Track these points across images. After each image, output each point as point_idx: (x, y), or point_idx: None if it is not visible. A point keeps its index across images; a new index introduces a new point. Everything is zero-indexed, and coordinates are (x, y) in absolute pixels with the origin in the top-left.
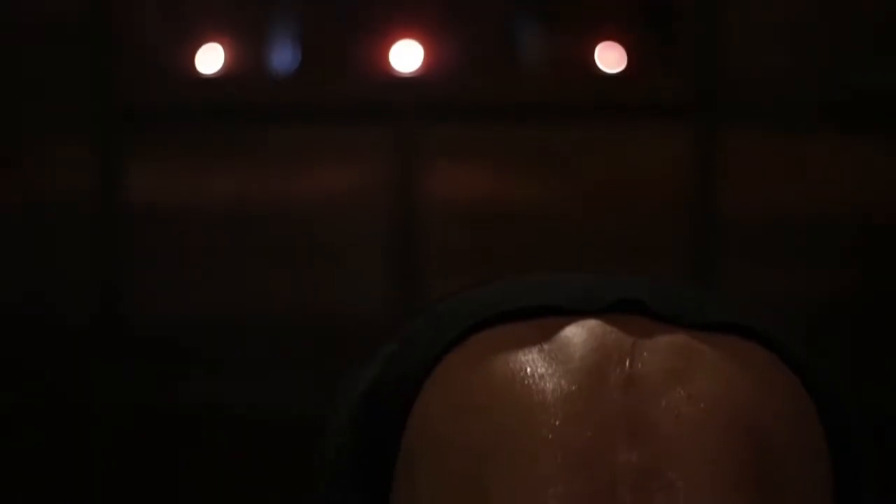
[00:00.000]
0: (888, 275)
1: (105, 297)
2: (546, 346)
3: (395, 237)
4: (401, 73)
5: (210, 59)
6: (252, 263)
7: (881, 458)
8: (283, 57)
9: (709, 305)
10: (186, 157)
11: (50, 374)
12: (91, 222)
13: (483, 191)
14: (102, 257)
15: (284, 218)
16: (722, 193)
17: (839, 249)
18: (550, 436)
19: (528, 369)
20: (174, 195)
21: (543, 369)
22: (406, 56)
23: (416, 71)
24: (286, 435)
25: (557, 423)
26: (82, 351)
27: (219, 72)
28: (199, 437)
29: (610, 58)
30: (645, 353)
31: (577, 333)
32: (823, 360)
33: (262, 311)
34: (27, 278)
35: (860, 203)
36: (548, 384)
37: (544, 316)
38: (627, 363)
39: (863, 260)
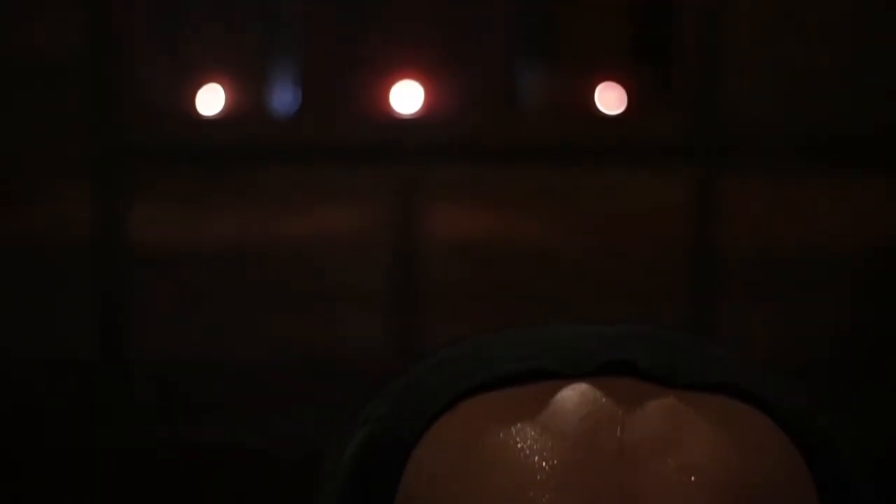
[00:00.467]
0: (889, 312)
1: (105, 338)
2: (537, 415)
3: (396, 277)
4: (401, 115)
5: (210, 100)
6: (252, 303)
7: (889, 494)
8: (283, 98)
9: (702, 361)
10: (186, 198)
11: (51, 413)
12: (91, 263)
13: (483, 231)
14: (102, 298)
15: (285, 258)
16: (721, 232)
17: (839, 288)
18: None
19: (520, 441)
20: (174, 236)
21: (534, 441)
22: (406, 97)
23: (417, 112)
24: (286, 474)
25: (547, 497)
26: (83, 390)
27: (219, 113)
28: (199, 476)
29: (609, 99)
30: (635, 421)
31: (568, 399)
32: (822, 412)
33: (263, 351)
34: (27, 319)
35: (859, 241)
36: (539, 457)
37: (537, 380)
38: (618, 431)
39: (863, 297)
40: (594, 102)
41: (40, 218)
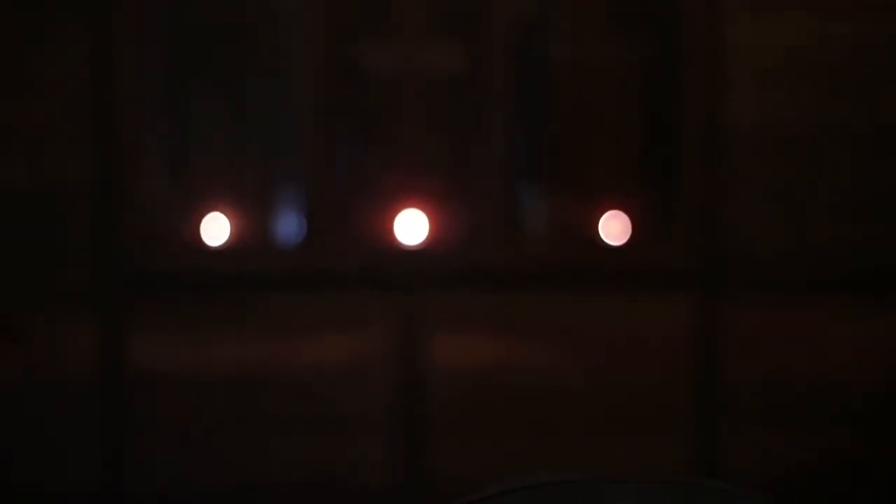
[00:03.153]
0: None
1: (107, 465)
2: None
3: (400, 405)
4: (405, 244)
5: (215, 228)
6: (256, 430)
7: None
8: (287, 227)
9: None
10: (190, 326)
11: None
12: (93, 390)
13: (486, 360)
14: (105, 426)
15: (289, 385)
16: (726, 360)
17: (845, 415)
18: None
19: None
20: (177, 364)
21: None
22: (410, 226)
23: (421, 241)
24: None
25: None
26: None
27: (224, 242)
28: None
29: (614, 227)
30: None
31: None
32: None
33: (266, 478)
34: (29, 447)
35: (869, 370)
36: None
37: None
38: None
39: (871, 426)
40: (598, 230)
41: (42, 347)
